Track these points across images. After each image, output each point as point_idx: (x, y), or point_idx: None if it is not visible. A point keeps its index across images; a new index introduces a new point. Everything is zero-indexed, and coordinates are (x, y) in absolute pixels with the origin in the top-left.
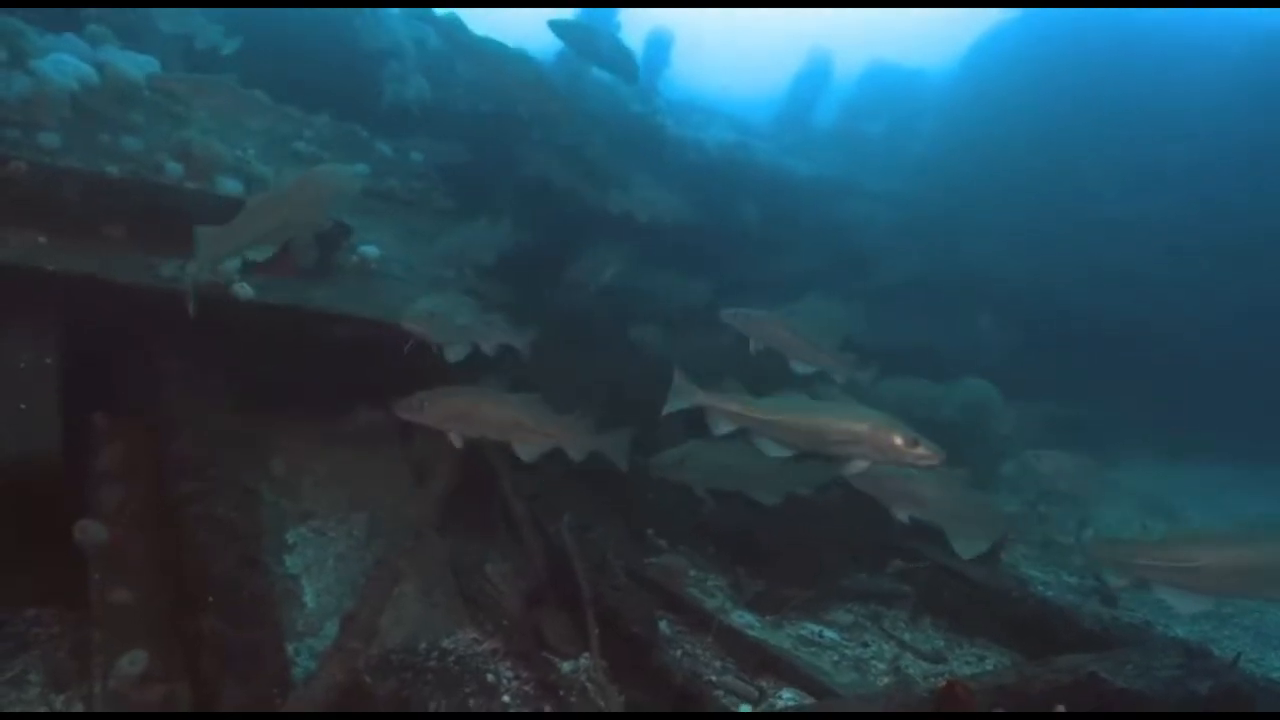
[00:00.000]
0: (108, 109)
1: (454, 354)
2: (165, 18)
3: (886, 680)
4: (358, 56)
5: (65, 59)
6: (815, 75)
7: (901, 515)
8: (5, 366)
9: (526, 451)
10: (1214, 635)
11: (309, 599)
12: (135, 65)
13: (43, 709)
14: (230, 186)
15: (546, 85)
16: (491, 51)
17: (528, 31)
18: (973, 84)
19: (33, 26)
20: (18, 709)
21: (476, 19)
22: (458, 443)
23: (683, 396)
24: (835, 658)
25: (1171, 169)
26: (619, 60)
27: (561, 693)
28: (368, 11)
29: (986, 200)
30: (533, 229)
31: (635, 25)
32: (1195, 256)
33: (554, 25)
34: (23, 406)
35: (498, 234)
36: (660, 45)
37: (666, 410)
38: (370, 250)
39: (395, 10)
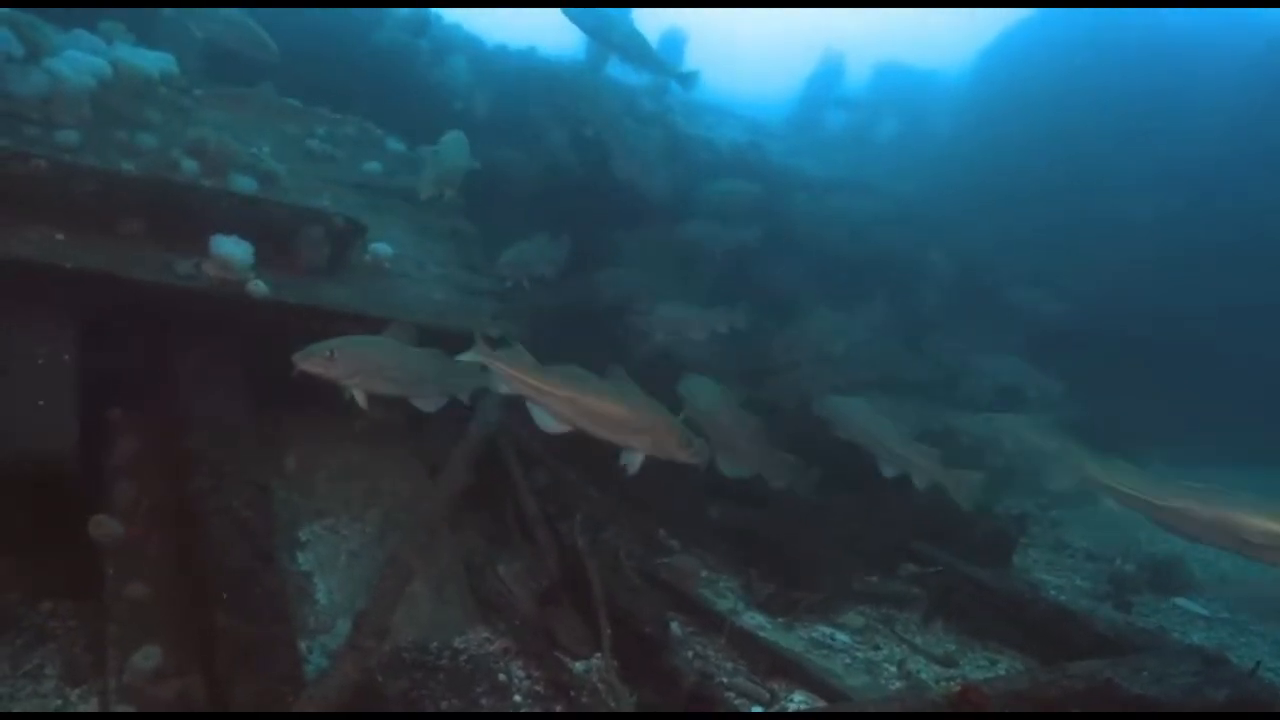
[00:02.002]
0: (124, 106)
1: (428, 405)
2: (192, 17)
3: (898, 684)
4: (372, 55)
5: (82, 56)
6: (828, 77)
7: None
8: (23, 363)
9: (428, 404)
10: (1230, 643)
11: (321, 596)
12: (150, 62)
13: (58, 702)
14: (244, 184)
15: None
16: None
17: (525, 33)
18: (986, 86)
19: (48, 23)
20: (34, 702)
21: (477, 19)
22: (362, 401)
23: (1069, 471)
24: (847, 660)
25: (1187, 170)
26: (637, 50)
27: (573, 693)
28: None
29: (998, 201)
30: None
31: (649, 27)
32: (1209, 258)
33: (569, 14)
34: (40, 403)
35: (558, 248)
36: (674, 46)
37: (1051, 486)
38: (383, 248)
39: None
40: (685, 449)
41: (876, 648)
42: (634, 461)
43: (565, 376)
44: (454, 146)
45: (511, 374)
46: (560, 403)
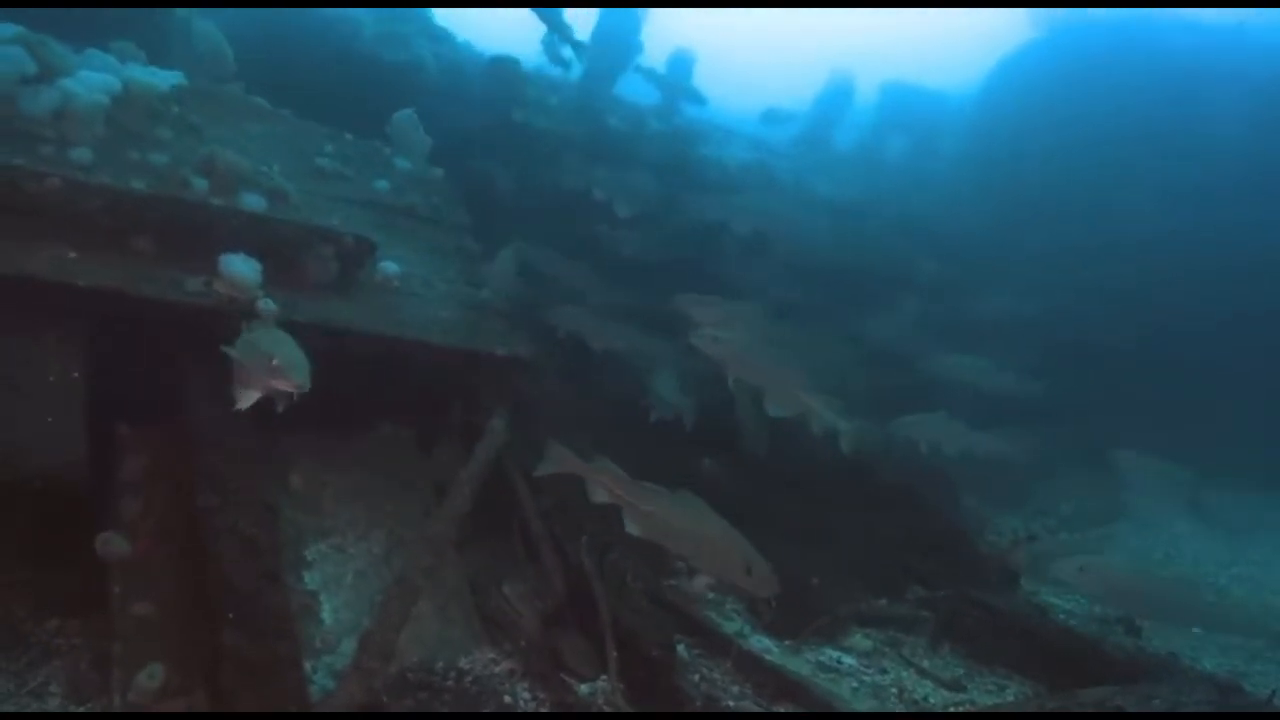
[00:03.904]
0: (136, 124)
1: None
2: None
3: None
4: (380, 70)
5: (95, 75)
6: (836, 96)
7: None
8: (33, 380)
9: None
10: (1245, 670)
11: (327, 615)
12: (162, 80)
13: None
14: (253, 202)
15: None
16: None
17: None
18: (994, 106)
19: (61, 43)
20: None
21: (475, 18)
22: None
23: None
24: (854, 684)
25: (1198, 190)
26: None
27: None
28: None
29: (1007, 220)
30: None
31: (659, 45)
32: (1221, 277)
33: (539, 14)
34: (50, 419)
35: (518, 259)
36: (683, 66)
37: None
38: (390, 266)
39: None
40: (746, 578)
41: (884, 671)
42: (697, 583)
43: (648, 493)
44: (409, 123)
45: (604, 483)
46: (640, 515)
